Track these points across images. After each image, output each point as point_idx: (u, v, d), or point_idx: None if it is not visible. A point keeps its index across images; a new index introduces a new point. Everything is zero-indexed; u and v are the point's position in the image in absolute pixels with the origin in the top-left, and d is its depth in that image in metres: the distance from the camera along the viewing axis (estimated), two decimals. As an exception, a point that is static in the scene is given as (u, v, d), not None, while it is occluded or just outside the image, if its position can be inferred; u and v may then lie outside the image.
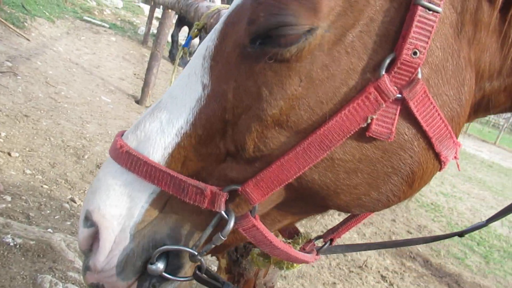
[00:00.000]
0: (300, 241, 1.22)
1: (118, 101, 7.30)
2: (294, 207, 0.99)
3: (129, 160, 0.91)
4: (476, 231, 8.21)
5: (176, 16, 10.29)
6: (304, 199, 0.94)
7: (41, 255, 2.76)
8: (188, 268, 1.00)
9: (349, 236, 5.46)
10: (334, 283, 4.20)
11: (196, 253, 0.95)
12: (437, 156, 0.91)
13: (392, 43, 0.83)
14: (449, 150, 0.92)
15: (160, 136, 0.91)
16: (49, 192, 3.75)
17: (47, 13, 11.07)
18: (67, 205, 3.65)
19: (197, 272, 1.00)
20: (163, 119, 0.92)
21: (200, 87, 0.90)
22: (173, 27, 10.12)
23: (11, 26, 8.54)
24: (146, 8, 17.68)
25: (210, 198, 0.89)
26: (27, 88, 6.07)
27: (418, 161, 0.90)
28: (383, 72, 0.82)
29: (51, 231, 3.12)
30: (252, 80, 0.85)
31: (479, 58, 0.91)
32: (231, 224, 0.91)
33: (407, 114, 0.85)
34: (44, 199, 3.60)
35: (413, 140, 0.87)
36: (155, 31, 11.85)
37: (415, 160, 0.89)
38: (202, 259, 0.97)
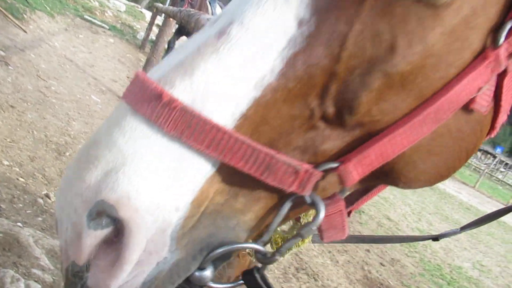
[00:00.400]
0: (307, 219, 1.10)
1: (108, 101, 7.28)
2: (362, 184, 0.85)
3: (185, 122, 0.62)
4: (448, 270, 8.28)
5: (177, 25, 10.39)
6: (381, 175, 0.80)
7: (7, 249, 2.71)
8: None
9: (322, 262, 5.46)
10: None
11: (266, 252, 0.75)
12: (490, 131, 0.86)
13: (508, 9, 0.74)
14: (499, 124, 0.87)
15: (232, 88, 0.64)
16: (24, 185, 3.71)
17: (48, 8, 11.07)
18: (41, 201, 3.60)
19: (255, 274, 0.78)
20: (234, 63, 0.64)
21: (294, 22, 0.66)
22: (172, 35, 10.21)
23: (10, 16, 8.52)
24: (148, 14, 17.81)
25: (301, 180, 0.69)
26: (17, 79, 6.03)
27: (482, 135, 0.84)
28: (503, 40, 0.73)
29: (21, 225, 3.08)
30: (388, 23, 0.67)
31: None
32: (323, 212, 0.73)
33: (498, 85, 0.79)
34: (18, 192, 3.56)
35: (489, 112, 0.81)
36: (153, 38, 11.93)
37: (479, 131, 0.83)
38: (274, 258, 0.76)
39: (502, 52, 0.74)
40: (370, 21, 0.66)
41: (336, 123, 0.71)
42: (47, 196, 3.73)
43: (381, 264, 6.48)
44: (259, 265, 0.87)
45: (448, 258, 8.30)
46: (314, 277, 4.91)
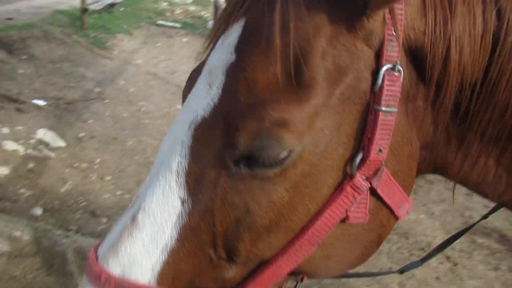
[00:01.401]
0: None
1: (192, 106, 8.02)
2: (281, 281, 1.06)
3: None
4: None
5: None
6: (290, 275, 1.05)
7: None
8: None
9: (415, 218, 5.60)
10: (391, 268, 4.49)
11: None
12: (396, 217, 1.07)
13: (358, 142, 0.94)
14: (405, 209, 1.07)
15: (146, 257, 0.90)
16: (135, 210, 4.56)
17: (125, 27, 12.20)
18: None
19: None
20: (145, 239, 0.91)
21: (179, 202, 0.91)
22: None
23: (96, 49, 9.71)
24: (214, -2, 18.23)
25: None
26: (113, 111, 7.04)
27: (382, 225, 1.05)
28: (355, 171, 0.93)
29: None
30: (238, 197, 0.89)
31: (418, 133, 1.05)
32: None
33: (374, 196, 0.98)
34: (132, 217, 4.41)
35: (378, 213, 1.02)
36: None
37: (380, 225, 1.04)
38: None
39: (358, 179, 0.93)
40: (225, 197, 0.90)
41: (232, 261, 0.94)
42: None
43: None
44: None
45: None
46: (405, 236, 5.12)
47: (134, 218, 0.93)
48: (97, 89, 7.72)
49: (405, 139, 1.01)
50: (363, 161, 0.93)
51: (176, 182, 0.91)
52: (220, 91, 0.92)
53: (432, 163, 1.13)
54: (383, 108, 0.90)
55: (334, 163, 0.93)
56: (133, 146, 5.97)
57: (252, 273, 0.97)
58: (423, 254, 4.87)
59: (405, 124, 1.00)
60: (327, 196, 0.94)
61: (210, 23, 14.63)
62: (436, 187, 6.49)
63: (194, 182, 0.91)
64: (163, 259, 0.91)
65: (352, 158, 0.94)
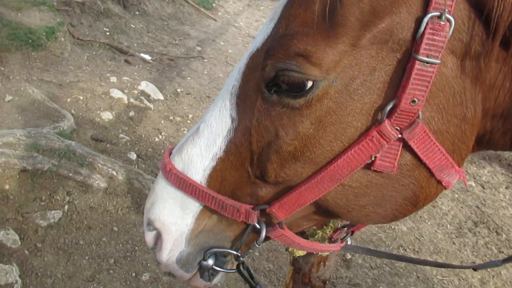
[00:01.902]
0: (328, 231, 1.39)
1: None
2: (316, 217, 1.15)
3: (178, 181, 1.09)
4: None
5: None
6: (323, 212, 1.10)
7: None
8: (231, 264, 1.23)
9: (511, 213, 5.10)
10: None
11: (239, 254, 1.16)
12: (439, 182, 1.01)
13: (393, 90, 0.91)
14: (451, 177, 1.01)
15: (200, 160, 1.08)
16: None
17: (232, -12, 12.40)
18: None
19: (240, 267, 1.21)
20: (201, 145, 1.08)
21: (229, 120, 1.04)
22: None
23: (202, 9, 10.07)
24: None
25: (244, 215, 1.07)
26: (211, 70, 7.34)
27: (420, 186, 1.00)
28: (384, 118, 0.91)
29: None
30: (270, 121, 0.98)
31: (485, 97, 0.97)
32: (263, 234, 1.10)
33: (408, 150, 0.95)
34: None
35: (414, 170, 0.98)
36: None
37: (417, 185, 1.00)
38: (244, 259, 1.19)
39: (386, 127, 0.91)
40: (261, 119, 0.99)
41: (264, 180, 1.05)
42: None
43: None
44: (297, 254, 1.43)
45: None
46: (496, 231, 4.71)
47: (198, 127, 1.11)
48: (198, 48, 8.07)
49: (458, 99, 0.93)
50: (394, 109, 0.91)
51: (230, 101, 1.05)
52: (273, 25, 1.00)
53: (509, 134, 1.02)
54: (420, 57, 0.86)
55: (364, 107, 0.92)
56: (224, 106, 6.20)
57: (279, 196, 1.05)
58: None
59: (459, 83, 0.92)
60: (353, 138, 0.95)
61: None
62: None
63: (242, 103, 1.03)
64: (213, 165, 1.07)
65: (384, 106, 0.92)
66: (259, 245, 1.14)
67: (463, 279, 3.93)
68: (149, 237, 1.19)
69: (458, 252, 4.31)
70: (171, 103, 5.94)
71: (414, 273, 3.85)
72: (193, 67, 7.27)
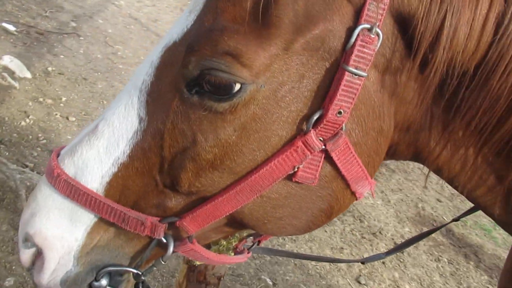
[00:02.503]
0: (233, 241, 1.32)
1: (170, 58, 7.80)
2: (227, 228, 1.09)
3: (68, 188, 0.95)
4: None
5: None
6: (236, 224, 1.05)
7: None
8: (126, 283, 1.10)
9: (372, 203, 5.77)
10: (342, 248, 4.64)
11: (141, 273, 1.05)
12: (352, 193, 1.03)
13: (320, 99, 0.90)
14: (364, 188, 1.03)
15: (98, 164, 0.94)
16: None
17: (111, -37, 11.54)
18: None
19: (140, 287, 1.09)
20: (100, 147, 0.94)
21: (137, 120, 0.94)
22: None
23: (78, -19, 9.16)
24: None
25: (150, 228, 0.96)
26: (88, 49, 6.74)
27: (336, 197, 1.02)
28: (310, 128, 0.90)
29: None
30: (187, 125, 0.90)
31: (396, 111, 1.00)
32: (170, 249, 1.01)
33: (329, 161, 0.95)
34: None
35: (332, 181, 0.99)
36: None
37: (333, 197, 1.01)
38: (144, 279, 1.07)
39: (311, 137, 0.90)
40: (177, 122, 0.91)
41: (175, 190, 0.96)
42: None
43: (438, 200, 6.59)
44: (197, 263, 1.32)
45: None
46: (360, 219, 5.28)
47: (96, 126, 0.98)
48: (73, 24, 7.35)
49: (377, 112, 0.96)
50: (320, 119, 0.90)
51: (138, 99, 0.94)
52: (194, 18, 0.92)
53: (412, 147, 1.08)
54: (350, 68, 0.86)
55: (290, 115, 0.90)
56: (103, 90, 5.77)
57: (191, 208, 0.97)
58: (374, 239, 5.07)
59: (379, 97, 0.95)
60: (277, 147, 0.92)
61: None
62: (396, 176, 6.69)
63: (153, 101, 0.93)
64: (113, 171, 0.95)
65: (310, 115, 0.91)
66: (165, 262, 1.03)
67: (333, 264, 4.32)
68: (26, 255, 1.02)
69: (329, 239, 4.72)
70: (40, 82, 5.30)
71: (292, 261, 4.10)
72: (67, 44, 6.59)
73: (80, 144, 0.98)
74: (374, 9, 0.85)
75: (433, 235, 5.72)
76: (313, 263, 4.20)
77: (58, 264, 0.99)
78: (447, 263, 5.20)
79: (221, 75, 0.86)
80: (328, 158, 0.94)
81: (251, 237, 1.32)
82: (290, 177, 0.94)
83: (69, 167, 0.97)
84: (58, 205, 0.97)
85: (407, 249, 5.13)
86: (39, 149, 4.20)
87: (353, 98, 0.89)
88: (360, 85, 0.88)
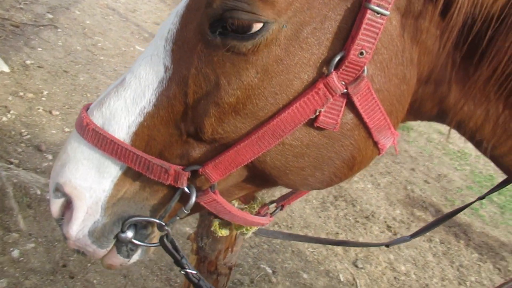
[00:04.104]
0: (256, 206, 1.33)
1: (151, 49, 7.62)
2: (250, 183, 1.07)
3: (96, 138, 0.96)
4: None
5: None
6: (258, 177, 1.04)
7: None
8: (154, 237, 1.10)
9: (363, 187, 5.79)
10: (337, 233, 4.64)
11: (164, 224, 1.04)
12: (375, 144, 1.00)
13: (342, 40, 0.89)
14: (387, 139, 1.01)
15: (125, 114, 0.96)
16: (84, 149, 4.31)
17: (85, -48, 11.18)
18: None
19: (164, 239, 1.09)
20: (127, 98, 0.96)
21: (162, 69, 0.95)
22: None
23: (51, -29, 8.83)
24: None
25: (173, 176, 0.96)
26: (66, 41, 6.52)
27: (358, 147, 0.99)
28: (332, 70, 0.89)
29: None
30: (211, 68, 0.90)
31: (419, 59, 0.97)
32: (193, 199, 1.00)
33: (351, 107, 0.93)
34: (80, 156, 4.17)
35: (354, 129, 0.96)
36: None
37: (356, 146, 0.98)
38: (168, 229, 1.07)
39: (333, 79, 0.89)
40: (201, 66, 0.91)
41: (198, 139, 0.96)
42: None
43: (426, 181, 6.67)
44: (220, 234, 1.37)
45: (502, 167, 8.21)
46: (352, 203, 5.29)
47: (124, 78, 1.00)
48: (50, 15, 7.09)
49: (400, 58, 0.94)
50: (342, 61, 0.89)
51: (164, 48, 0.95)
52: None
53: (436, 100, 1.04)
54: (372, 6, 0.85)
55: (312, 57, 0.89)
56: (85, 82, 5.59)
57: (214, 156, 0.97)
58: (367, 222, 5.10)
59: (402, 42, 0.93)
60: (298, 90, 0.91)
61: (178, -36, 13.76)
62: (384, 159, 6.73)
63: (178, 49, 0.94)
64: (140, 120, 0.96)
65: (332, 57, 0.90)
66: (188, 211, 1.02)
67: (329, 249, 4.32)
68: (56, 205, 1.04)
69: (324, 224, 4.71)
70: (19, 76, 5.10)
71: (289, 248, 4.08)
72: (45, 36, 6.36)
73: (108, 95, 0.99)
74: None
75: (423, 216, 5.80)
76: (310, 249, 4.19)
77: (86, 214, 1.00)
78: (439, 243, 5.27)
79: (243, 16, 0.85)
80: (350, 103, 0.93)
81: (273, 204, 1.32)
82: (311, 123, 0.93)
83: (97, 118, 0.99)
84: (87, 155, 0.99)
85: (400, 231, 5.18)
86: (23, 145, 4.04)
87: (375, 38, 0.87)
88: (382, 24, 0.86)
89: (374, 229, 5.02)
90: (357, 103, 0.92)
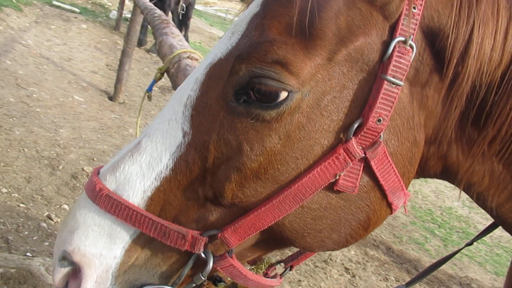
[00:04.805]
0: (263, 266, 1.32)
1: (91, 99, 7.35)
2: (264, 245, 1.08)
3: (109, 203, 0.95)
4: (438, 213, 8.69)
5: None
6: (274, 239, 1.04)
7: (22, 282, 2.99)
8: None
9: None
10: (300, 280, 4.57)
11: None
12: (389, 204, 1.04)
13: (360, 108, 0.94)
14: (400, 199, 1.05)
15: (140, 179, 0.96)
16: (26, 211, 3.93)
17: (14, 1, 10.79)
18: (44, 225, 3.84)
19: None
20: (142, 163, 0.96)
21: (181, 134, 0.96)
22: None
23: (-23, 20, 8.36)
24: (117, -13, 17.18)
25: (190, 242, 0.95)
26: (-3, 93, 6.09)
27: (374, 209, 1.02)
28: (352, 135, 0.94)
29: (30, 255, 3.34)
30: (233, 134, 0.93)
31: (426, 123, 1.03)
32: (210, 264, 0.99)
33: (368, 170, 0.97)
34: (21, 219, 3.78)
35: (370, 191, 1.00)
36: (127, 15, 11.70)
37: (371, 208, 1.02)
38: None
39: (352, 145, 0.94)
40: (223, 132, 0.94)
41: (217, 203, 0.97)
42: (49, 217, 3.97)
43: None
44: None
45: (438, 201, 8.73)
46: (310, 248, 5.27)
47: (139, 142, 1.00)
48: (-23, 66, 6.62)
49: (411, 123, 1.00)
50: (360, 127, 0.94)
51: (183, 114, 0.97)
52: (239, 37, 0.97)
53: (441, 161, 1.09)
54: (388, 78, 0.92)
55: (332, 124, 0.94)
56: (21, 137, 5.20)
57: (232, 220, 0.97)
58: (326, 266, 5.08)
59: (411, 108, 0.99)
60: (319, 156, 0.95)
61: (113, 13, 13.71)
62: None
63: (198, 114, 0.96)
64: (156, 185, 0.96)
65: (351, 123, 0.95)
66: (205, 277, 1.01)
67: (294, 298, 4.21)
68: (60, 274, 0.99)
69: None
70: None
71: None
72: (-27, 89, 5.90)
73: (122, 160, 0.99)
74: (407, 23, 0.93)
75: (376, 255, 5.92)
76: None
77: (95, 283, 0.97)
78: (394, 281, 5.37)
79: (270, 83, 0.89)
80: (368, 167, 0.97)
81: (281, 263, 1.31)
82: (331, 187, 0.96)
83: (110, 182, 0.98)
84: (98, 221, 0.96)
85: (358, 273, 5.22)
86: (-47, 210, 3.60)
87: (391, 106, 0.93)
88: (397, 93, 0.93)
89: (333, 272, 5.01)
90: (374, 167, 0.97)
